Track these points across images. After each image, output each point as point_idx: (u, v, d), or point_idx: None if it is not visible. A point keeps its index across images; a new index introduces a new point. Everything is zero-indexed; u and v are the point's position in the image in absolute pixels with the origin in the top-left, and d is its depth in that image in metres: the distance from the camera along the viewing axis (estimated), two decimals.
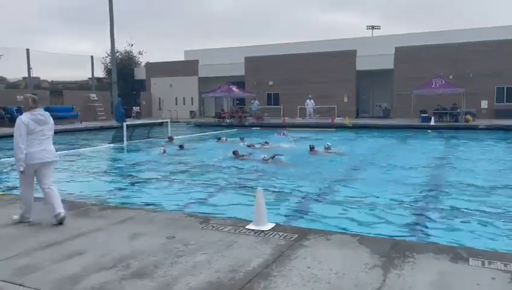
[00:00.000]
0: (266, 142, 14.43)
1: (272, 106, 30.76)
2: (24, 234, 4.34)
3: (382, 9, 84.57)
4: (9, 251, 3.82)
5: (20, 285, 3.12)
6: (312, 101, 27.59)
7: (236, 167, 10.41)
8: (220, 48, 34.66)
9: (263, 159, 10.96)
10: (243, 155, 11.76)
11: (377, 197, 6.98)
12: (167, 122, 19.24)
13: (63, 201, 4.92)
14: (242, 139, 15.67)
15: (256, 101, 28.98)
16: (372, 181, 8.45)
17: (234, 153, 11.79)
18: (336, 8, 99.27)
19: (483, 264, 3.33)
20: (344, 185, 8.18)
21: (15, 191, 7.50)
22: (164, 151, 12.70)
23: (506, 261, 3.36)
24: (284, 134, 15.41)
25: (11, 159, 12.30)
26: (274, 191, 7.50)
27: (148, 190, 8.00)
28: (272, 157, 10.95)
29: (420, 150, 13.54)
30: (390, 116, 27.84)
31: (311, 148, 12.48)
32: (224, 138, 16.62)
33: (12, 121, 22.71)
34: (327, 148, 12.60)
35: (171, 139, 16.76)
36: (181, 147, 13.97)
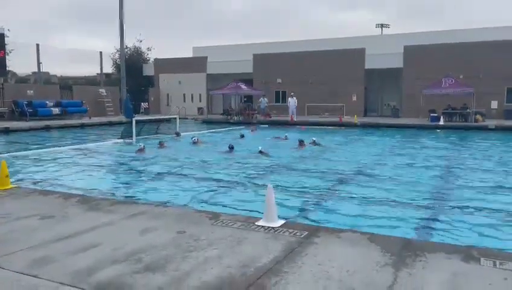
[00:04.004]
0: (286, 137, 15.51)
1: (280, 104, 30.73)
2: (38, 227, 4.40)
3: (392, 8, 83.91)
4: (24, 243, 3.88)
5: (35, 276, 3.17)
6: (295, 99, 26.43)
7: (244, 163, 10.48)
8: (229, 44, 34.67)
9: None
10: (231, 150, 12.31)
11: (388, 196, 6.97)
12: (175, 118, 19.32)
13: (73, 195, 4.97)
14: (242, 136, 16.38)
15: (265, 99, 28.91)
16: (382, 179, 8.43)
17: (230, 147, 12.37)
18: (346, 6, 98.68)
19: (494, 264, 3.32)
20: (354, 183, 8.17)
21: (30, 185, 7.59)
22: (143, 148, 12.46)
23: None
24: (285, 138, 15.75)
25: (25, 152, 12.44)
26: (284, 187, 7.52)
27: (158, 185, 8.05)
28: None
29: (430, 149, 13.47)
30: (399, 115, 27.69)
31: (300, 143, 13.55)
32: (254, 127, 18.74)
33: (22, 115, 22.96)
34: (312, 143, 13.88)
35: (178, 134, 16.88)
36: (177, 134, 15.54)
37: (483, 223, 5.56)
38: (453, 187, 7.83)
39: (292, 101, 26.43)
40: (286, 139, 15.57)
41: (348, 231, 4.37)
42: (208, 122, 26.34)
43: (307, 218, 5.77)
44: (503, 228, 5.38)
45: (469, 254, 3.55)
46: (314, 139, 14.25)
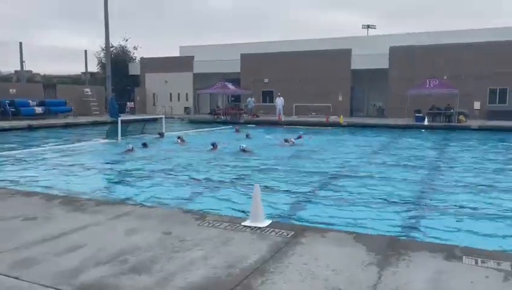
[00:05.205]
0: (300, 136, 15.78)
1: (267, 104, 30.79)
2: (21, 228, 4.32)
3: (378, 9, 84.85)
4: (6, 244, 3.81)
5: (16, 278, 3.11)
6: (282, 98, 26.78)
7: (232, 162, 10.50)
8: (216, 44, 34.61)
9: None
10: (215, 147, 12.70)
11: (373, 195, 7.05)
12: (161, 118, 19.22)
13: (57, 196, 4.90)
14: (248, 135, 16.74)
15: (253, 99, 29.02)
16: (367, 179, 8.52)
17: (212, 145, 12.73)
18: (334, 6, 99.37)
19: (476, 262, 3.38)
20: (340, 183, 8.24)
21: (12, 186, 7.45)
22: (132, 149, 12.43)
23: (499, 260, 3.42)
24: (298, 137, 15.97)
25: (6, 152, 12.20)
26: (270, 187, 7.55)
27: (143, 185, 8.00)
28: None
29: (413, 149, 13.67)
30: (384, 115, 27.99)
31: (286, 140, 14.16)
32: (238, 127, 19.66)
33: (4, 114, 22.52)
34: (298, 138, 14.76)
35: (161, 135, 16.79)
36: (161, 134, 15.82)
37: (466, 222, 5.66)
38: (436, 186, 7.96)
39: (279, 101, 26.63)
40: (299, 138, 15.64)
41: (334, 230, 4.40)
42: (195, 122, 26.23)
43: (293, 218, 5.80)
44: (485, 226, 5.49)
45: (451, 252, 3.61)
46: (301, 133, 14.98)
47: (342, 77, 28.72)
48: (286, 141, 14.22)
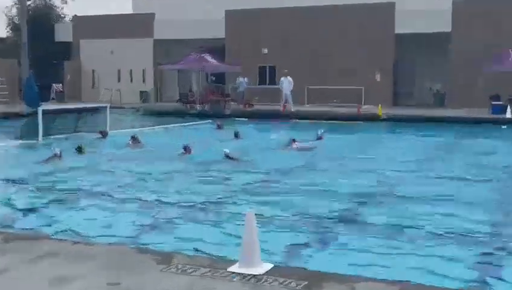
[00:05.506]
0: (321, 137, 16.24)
1: (267, 86, 30.88)
2: None
3: None
4: None
5: None
6: (290, 79, 26.59)
7: (211, 175, 10.54)
8: None
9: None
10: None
11: (427, 225, 7.07)
12: (105, 108, 19.16)
13: None
14: (237, 134, 16.80)
15: (245, 79, 28.74)
16: (418, 201, 8.57)
17: (184, 148, 12.98)
18: None
19: None
20: (373, 207, 8.31)
21: None
22: (59, 155, 12.43)
23: None
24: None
25: None
26: (269, 214, 7.56)
27: (77, 210, 8.00)
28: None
29: (490, 155, 13.73)
30: (445, 104, 28.02)
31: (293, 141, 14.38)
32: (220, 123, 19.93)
33: None
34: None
35: (103, 134, 16.75)
36: (103, 134, 16.61)
37: None
38: None
39: (286, 83, 26.38)
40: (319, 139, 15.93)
41: (368, 279, 4.43)
42: (157, 114, 26.21)
43: (304, 260, 5.81)
44: None
45: None
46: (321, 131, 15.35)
47: (380, 46, 28.73)
48: (294, 142, 14.26)
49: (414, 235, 6.76)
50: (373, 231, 6.97)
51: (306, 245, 6.44)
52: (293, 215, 7.78)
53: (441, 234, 6.83)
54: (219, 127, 19.65)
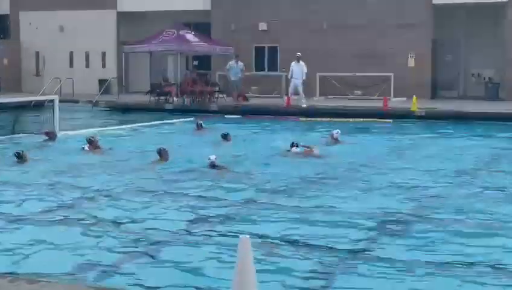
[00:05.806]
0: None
1: (266, 73, 31.06)
2: None
3: None
4: None
5: None
6: (303, 64, 26.66)
7: (192, 189, 10.63)
8: None
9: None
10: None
11: (477, 258, 7.07)
12: (53, 101, 19.16)
13: None
14: (226, 136, 16.97)
15: (240, 63, 28.47)
16: (466, 224, 8.62)
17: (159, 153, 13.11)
18: None
19: None
20: (407, 232, 8.32)
21: None
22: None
23: None
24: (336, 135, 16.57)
25: None
26: (267, 240, 7.62)
27: (14, 236, 7.98)
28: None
29: None
30: (499, 96, 28.11)
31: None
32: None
33: None
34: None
35: (51, 136, 16.76)
36: (50, 135, 16.57)
37: None
38: None
39: (298, 69, 26.26)
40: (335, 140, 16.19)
41: None
42: (121, 110, 26.31)
43: None
44: None
45: None
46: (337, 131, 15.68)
47: (414, 21, 28.89)
48: (296, 146, 14.35)
49: (461, 267, 6.74)
50: (409, 264, 6.96)
51: (315, 279, 6.44)
52: (298, 240, 7.78)
53: (494, 265, 6.84)
54: (199, 127, 19.58)
